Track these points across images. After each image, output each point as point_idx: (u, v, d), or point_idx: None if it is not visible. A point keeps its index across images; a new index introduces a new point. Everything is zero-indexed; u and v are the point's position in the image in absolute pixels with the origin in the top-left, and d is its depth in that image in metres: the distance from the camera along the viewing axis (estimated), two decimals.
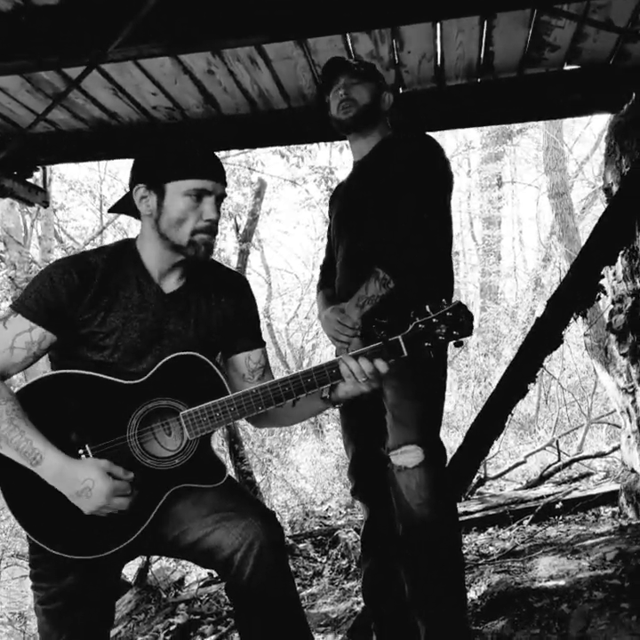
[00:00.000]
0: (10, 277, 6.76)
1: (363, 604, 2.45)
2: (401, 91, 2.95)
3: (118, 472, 1.48)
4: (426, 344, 1.53)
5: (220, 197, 1.58)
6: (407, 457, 1.98)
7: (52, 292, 1.50)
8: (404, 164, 2.05)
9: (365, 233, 2.13)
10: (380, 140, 2.22)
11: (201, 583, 3.54)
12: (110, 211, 1.76)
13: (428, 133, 2.21)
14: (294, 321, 12.97)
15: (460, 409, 8.87)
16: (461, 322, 1.52)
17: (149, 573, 3.58)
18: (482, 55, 2.70)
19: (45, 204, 3.91)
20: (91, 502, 1.45)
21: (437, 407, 2.09)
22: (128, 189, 1.62)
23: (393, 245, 1.98)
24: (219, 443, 5.45)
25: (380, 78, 2.26)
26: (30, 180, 3.64)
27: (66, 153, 3.37)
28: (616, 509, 3.63)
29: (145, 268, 1.60)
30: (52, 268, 1.54)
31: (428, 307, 1.54)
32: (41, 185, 3.82)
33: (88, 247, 8.23)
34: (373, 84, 2.20)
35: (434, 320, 1.52)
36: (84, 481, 1.44)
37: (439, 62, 2.74)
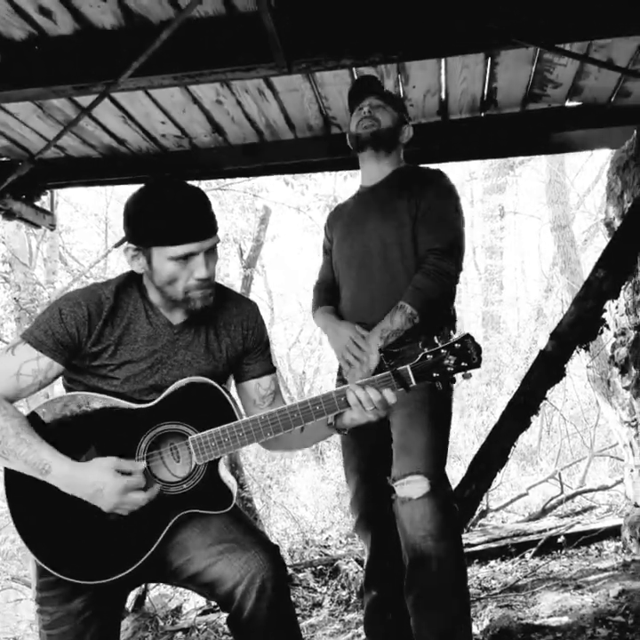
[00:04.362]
0: (14, 299, 6.80)
1: (363, 637, 2.41)
2: None
3: (126, 466, 1.48)
4: (434, 375, 1.53)
5: (212, 249, 1.55)
6: (412, 487, 1.95)
7: (60, 324, 1.51)
8: (429, 200, 2.12)
9: (385, 264, 2.15)
10: (394, 169, 2.25)
11: (199, 611, 3.48)
12: (116, 246, 1.77)
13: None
14: (296, 346, 12.97)
15: (462, 438, 8.80)
16: (469, 353, 1.52)
17: (147, 600, 3.53)
18: (485, 91, 2.75)
19: (52, 226, 3.95)
20: (106, 502, 1.46)
21: (444, 438, 2.08)
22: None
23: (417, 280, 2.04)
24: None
25: (404, 111, 2.32)
26: (38, 204, 3.69)
27: (74, 178, 3.42)
28: (619, 544, 3.58)
29: (151, 302, 1.62)
30: (63, 300, 1.55)
31: (436, 338, 1.54)
32: (48, 208, 3.87)
33: (93, 270, 8.27)
34: (397, 113, 2.26)
35: (442, 351, 1.52)
36: (94, 483, 1.45)
37: (443, 97, 2.80)
